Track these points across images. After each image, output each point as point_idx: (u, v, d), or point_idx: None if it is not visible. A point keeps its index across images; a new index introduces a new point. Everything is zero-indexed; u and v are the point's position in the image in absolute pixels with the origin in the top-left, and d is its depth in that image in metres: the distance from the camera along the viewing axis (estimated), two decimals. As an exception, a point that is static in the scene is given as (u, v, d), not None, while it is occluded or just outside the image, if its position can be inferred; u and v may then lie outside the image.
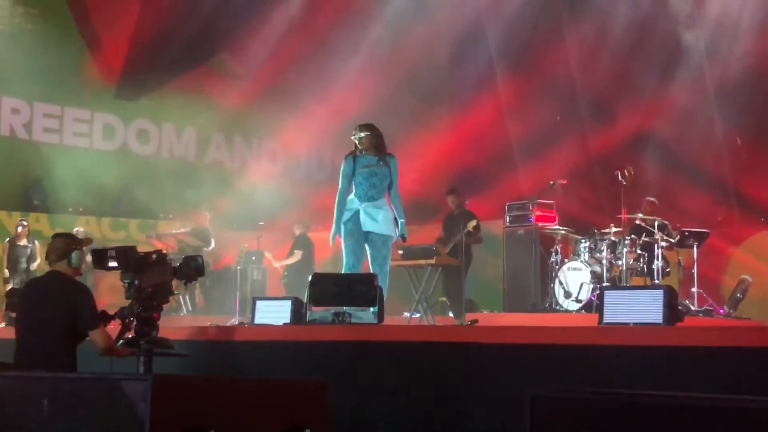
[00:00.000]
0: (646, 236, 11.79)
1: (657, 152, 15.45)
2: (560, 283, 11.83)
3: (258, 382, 5.19)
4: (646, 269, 11.59)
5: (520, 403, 3.85)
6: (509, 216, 13.38)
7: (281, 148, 19.97)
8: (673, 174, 15.06)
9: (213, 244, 15.38)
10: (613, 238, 11.76)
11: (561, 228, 12.74)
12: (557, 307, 11.80)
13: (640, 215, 11.99)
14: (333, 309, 7.75)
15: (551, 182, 13.19)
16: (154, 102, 17.99)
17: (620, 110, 16.15)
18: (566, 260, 12.06)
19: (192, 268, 6.03)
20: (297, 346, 7.38)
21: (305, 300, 7.98)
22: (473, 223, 11.76)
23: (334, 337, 7.28)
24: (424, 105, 18.81)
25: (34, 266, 14.25)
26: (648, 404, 3.63)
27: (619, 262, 11.55)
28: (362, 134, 8.91)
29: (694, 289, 11.67)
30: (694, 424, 3.44)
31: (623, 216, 12.04)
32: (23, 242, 14.24)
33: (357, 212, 8.76)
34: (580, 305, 11.49)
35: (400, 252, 11.07)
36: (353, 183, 8.91)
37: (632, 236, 11.76)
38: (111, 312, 6.24)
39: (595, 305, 10.68)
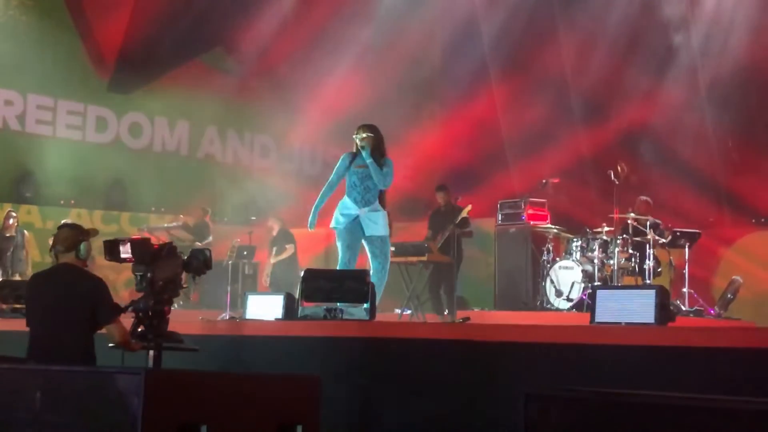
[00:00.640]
0: (638, 236, 11.81)
1: (649, 152, 15.49)
2: (551, 281, 11.85)
3: (250, 377, 5.20)
4: (637, 269, 11.62)
5: (513, 401, 3.86)
6: (501, 214, 13.38)
7: (274, 142, 19.96)
8: (665, 174, 15.08)
9: (209, 239, 15.32)
10: (605, 238, 11.79)
11: (553, 227, 12.75)
12: (548, 306, 11.82)
13: (632, 215, 12.02)
14: (325, 305, 7.75)
15: (543, 181, 13.20)
16: (147, 95, 17.94)
17: (613, 109, 16.17)
18: (558, 259, 12.08)
19: (201, 262, 5.96)
20: (289, 342, 7.38)
21: (297, 295, 7.99)
22: (468, 207, 11.81)
23: (326, 333, 7.29)
24: (417, 102, 18.81)
25: (22, 255, 14.18)
26: (639, 404, 3.64)
27: (611, 262, 11.57)
28: (364, 135, 8.85)
29: (685, 290, 11.68)
30: (685, 425, 3.45)
31: (615, 215, 12.06)
32: (11, 233, 14.18)
33: (356, 218, 8.74)
34: (571, 304, 11.51)
35: (392, 249, 11.08)
36: (347, 182, 8.88)
37: (624, 236, 11.78)
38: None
39: (586, 304, 10.71)
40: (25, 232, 14.44)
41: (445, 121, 18.73)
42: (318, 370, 5.58)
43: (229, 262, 14.55)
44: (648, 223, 11.90)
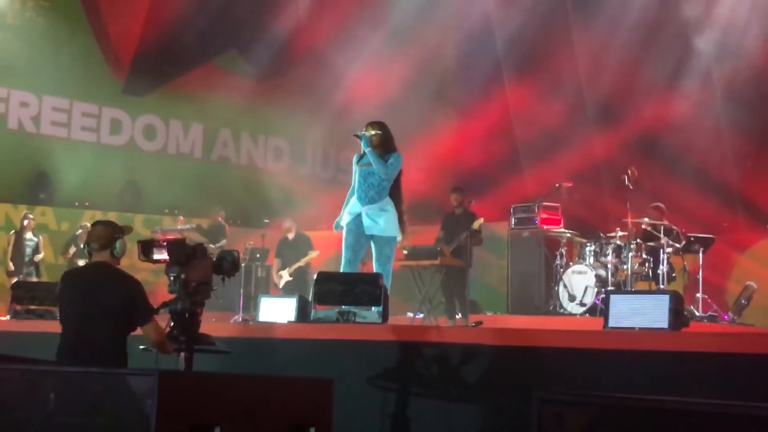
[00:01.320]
0: (651, 241, 11.77)
1: (663, 156, 15.43)
2: (565, 286, 11.82)
3: (263, 379, 5.20)
4: (651, 274, 11.57)
5: (526, 405, 3.85)
6: (514, 218, 13.37)
7: (287, 145, 19.99)
8: (679, 179, 15.03)
9: (223, 242, 15.27)
10: (618, 242, 11.75)
11: (566, 231, 12.73)
12: (561, 311, 11.79)
13: (646, 219, 11.98)
14: (337, 308, 7.75)
15: (557, 185, 13.18)
16: (161, 98, 18.01)
17: (627, 113, 16.13)
18: (571, 263, 12.05)
19: (229, 263, 5.90)
20: (301, 344, 7.39)
21: (310, 298, 7.99)
22: (480, 221, 11.75)
23: (338, 336, 7.29)
24: (431, 105, 18.81)
25: (38, 258, 14.26)
26: (653, 409, 3.63)
27: (625, 267, 11.53)
28: (372, 132, 8.69)
29: (698, 295, 11.63)
30: (698, 430, 3.44)
31: (629, 220, 12.02)
32: (28, 235, 14.24)
33: (359, 215, 8.59)
34: (584, 309, 11.48)
35: (405, 252, 11.07)
36: (354, 181, 8.77)
37: (638, 240, 11.74)
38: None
39: (599, 309, 10.68)
40: (41, 236, 14.50)
41: (458, 124, 18.73)
42: (330, 373, 5.58)
43: (242, 265, 14.53)
44: (662, 228, 11.86)
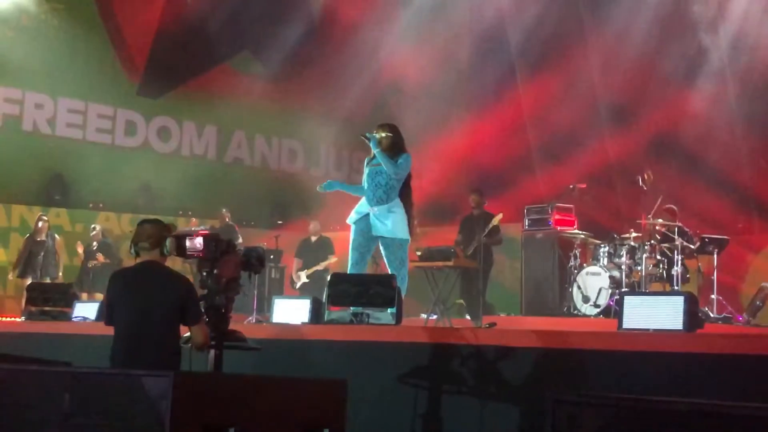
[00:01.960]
0: (666, 242, 11.74)
1: (677, 157, 15.38)
2: (579, 287, 11.80)
3: (277, 380, 5.21)
4: (665, 275, 11.54)
5: (539, 406, 3.85)
6: (528, 219, 13.35)
7: (301, 147, 20.01)
8: (694, 180, 14.97)
9: (240, 241, 15.25)
10: (632, 243, 11.72)
11: (580, 232, 12.69)
12: (575, 312, 11.77)
13: (660, 221, 11.95)
14: (351, 309, 7.75)
15: (571, 186, 13.15)
16: (175, 99, 18.06)
17: (641, 114, 16.09)
18: (585, 265, 12.02)
19: (256, 259, 5.85)
20: (315, 345, 7.40)
21: (323, 300, 7.99)
22: (499, 216, 11.75)
23: (352, 337, 7.29)
24: (444, 106, 18.80)
25: (53, 259, 14.21)
26: (668, 411, 3.62)
27: (639, 268, 11.50)
28: (383, 134, 8.66)
29: (713, 296, 11.59)
30: (713, 432, 3.44)
31: (643, 221, 11.98)
32: (41, 237, 14.21)
33: (367, 216, 8.58)
34: (598, 310, 11.45)
35: (419, 253, 11.06)
36: (365, 182, 8.75)
37: (652, 242, 11.71)
38: None
39: (613, 310, 10.66)
40: (56, 236, 14.48)
41: (472, 126, 18.70)
42: (344, 374, 5.58)
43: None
44: (676, 230, 11.82)
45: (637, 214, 12.19)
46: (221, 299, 5.63)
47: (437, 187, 16.18)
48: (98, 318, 9.84)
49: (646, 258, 11.46)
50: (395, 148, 8.64)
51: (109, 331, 5.95)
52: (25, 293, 11.56)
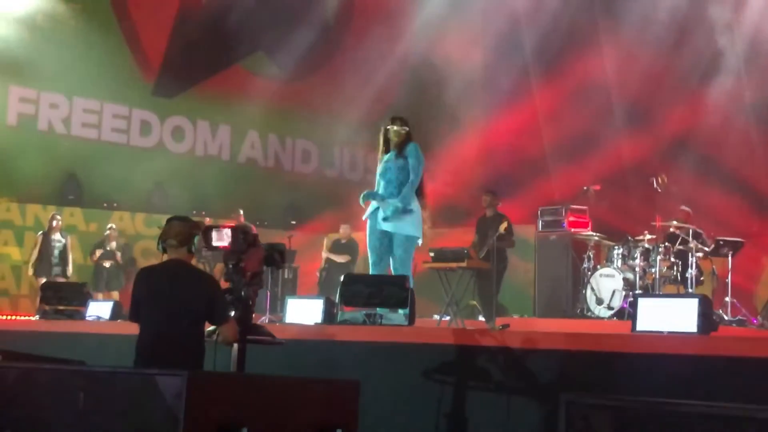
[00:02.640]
0: (680, 244, 11.71)
1: (692, 160, 15.33)
2: (592, 289, 11.77)
3: (291, 380, 5.22)
4: (679, 277, 11.52)
5: (553, 408, 3.84)
6: (542, 221, 13.33)
7: (315, 147, 20.03)
8: (708, 182, 14.93)
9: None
10: (646, 246, 11.69)
11: (594, 234, 12.67)
12: (588, 314, 11.75)
13: (675, 222, 11.91)
14: (364, 310, 7.75)
15: (585, 188, 13.13)
16: (190, 99, 18.10)
17: (656, 117, 16.05)
18: (599, 266, 12.00)
19: (279, 255, 5.82)
20: (328, 346, 7.40)
21: (336, 300, 8.00)
22: (504, 225, 11.70)
23: (365, 338, 7.29)
24: (458, 108, 18.79)
25: (66, 258, 14.26)
26: (681, 413, 3.62)
27: (653, 270, 11.47)
28: (396, 128, 8.62)
29: (727, 299, 11.56)
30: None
31: (657, 223, 11.96)
32: (56, 236, 14.26)
33: (376, 211, 8.56)
34: (611, 312, 11.43)
35: (432, 254, 11.06)
36: (378, 177, 8.72)
37: (666, 244, 11.68)
38: None
39: (627, 312, 10.63)
40: (68, 235, 14.52)
41: (486, 127, 18.69)
42: (356, 375, 5.59)
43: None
44: (690, 232, 11.79)
45: (652, 216, 12.17)
46: (247, 292, 5.61)
47: (451, 189, 16.19)
48: (112, 317, 9.89)
49: (660, 260, 11.43)
50: (407, 140, 8.61)
51: (122, 330, 5.97)
52: (39, 292, 11.60)
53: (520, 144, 17.53)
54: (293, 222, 17.59)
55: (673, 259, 11.56)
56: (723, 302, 11.54)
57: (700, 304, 6.20)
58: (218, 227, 5.74)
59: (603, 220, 13.54)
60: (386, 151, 8.73)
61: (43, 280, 13.53)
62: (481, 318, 11.87)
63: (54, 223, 14.32)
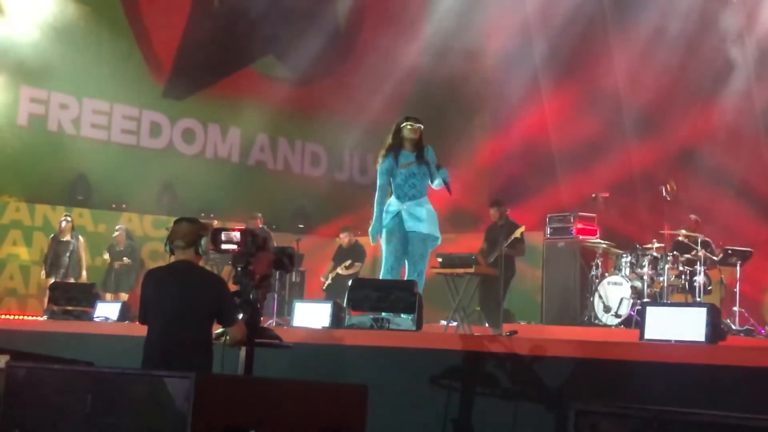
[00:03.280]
0: (688, 253, 11.69)
1: (701, 169, 15.30)
2: (600, 297, 11.76)
3: (299, 384, 5.22)
4: (687, 286, 11.50)
5: (559, 416, 3.84)
6: (550, 228, 13.33)
7: (324, 151, 20.04)
8: (717, 191, 14.91)
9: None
10: (655, 254, 11.67)
11: (602, 241, 12.66)
12: (596, 322, 11.74)
13: (683, 231, 11.90)
14: (372, 314, 7.75)
15: (593, 195, 13.13)
16: (200, 101, 18.12)
17: (665, 125, 16.02)
18: (607, 274, 11.99)
19: (288, 258, 5.83)
20: (335, 350, 7.40)
21: (344, 304, 8.00)
22: (521, 229, 11.71)
23: (372, 343, 7.30)
24: (468, 114, 18.79)
25: (77, 259, 14.24)
26: (689, 422, 3.61)
27: (661, 278, 11.46)
28: (412, 125, 8.63)
29: (735, 308, 11.54)
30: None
31: (666, 232, 11.94)
32: (66, 238, 14.21)
33: (399, 213, 8.53)
34: (619, 320, 11.42)
35: (439, 260, 11.06)
36: (393, 183, 8.66)
37: (675, 252, 11.66)
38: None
39: (634, 321, 10.62)
40: (80, 236, 14.51)
41: (495, 134, 18.69)
42: (363, 379, 5.59)
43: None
44: (699, 241, 11.77)
45: (660, 224, 12.15)
46: (256, 295, 5.61)
47: (460, 195, 16.13)
48: (120, 318, 9.91)
49: (668, 268, 11.42)
50: (421, 140, 8.69)
51: (130, 331, 5.98)
52: (48, 292, 11.62)
53: (530, 150, 17.52)
54: (301, 226, 17.59)
55: (681, 268, 11.55)
56: (731, 312, 11.51)
57: (709, 313, 6.19)
58: (228, 230, 5.75)
59: (611, 228, 13.53)
60: (393, 147, 8.70)
61: (53, 280, 13.51)
62: (487, 324, 11.85)
63: (64, 224, 14.25)
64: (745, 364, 5.64)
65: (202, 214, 17.32)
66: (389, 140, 8.80)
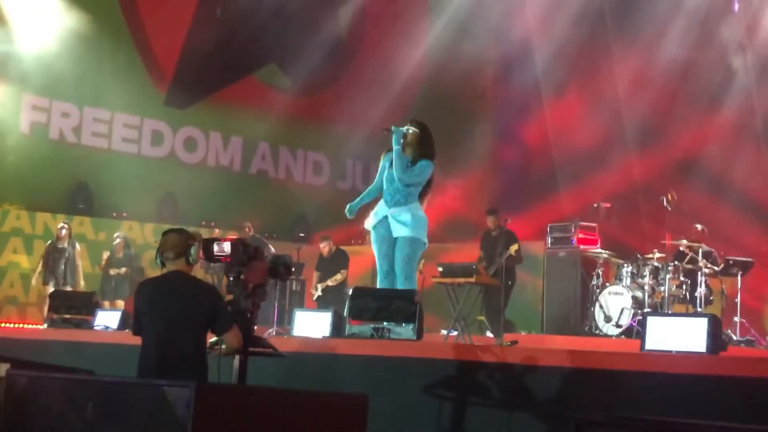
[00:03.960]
0: (689, 263, 11.69)
1: (703, 179, 15.31)
2: (600, 307, 11.75)
3: (299, 393, 5.21)
4: (688, 296, 11.49)
5: (559, 426, 3.83)
6: (551, 237, 13.33)
7: (327, 160, 20.05)
8: (719, 201, 14.91)
9: (272, 250, 15.13)
10: (656, 264, 11.67)
11: (603, 251, 12.65)
12: (597, 332, 11.72)
13: (685, 241, 11.89)
14: (372, 324, 7.73)
15: (594, 205, 13.14)
16: (202, 110, 18.14)
17: (666, 135, 16.04)
18: (607, 284, 11.98)
19: (284, 267, 5.83)
20: (335, 359, 7.40)
21: (344, 314, 7.99)
22: (515, 247, 11.69)
23: (372, 352, 7.29)
24: (469, 123, 18.81)
25: (74, 267, 14.19)
26: (690, 433, 3.61)
27: (662, 288, 11.45)
28: (411, 129, 8.45)
29: (736, 319, 11.52)
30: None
31: (667, 242, 11.94)
32: (63, 245, 14.17)
33: (386, 218, 8.40)
34: (620, 330, 11.40)
35: (440, 269, 11.04)
36: (383, 182, 8.57)
37: (676, 262, 11.66)
38: None
39: (635, 331, 10.61)
40: (77, 243, 14.47)
41: (495, 143, 18.70)
42: (364, 388, 5.58)
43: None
44: (700, 251, 11.77)
45: (661, 234, 12.15)
46: (247, 304, 5.62)
47: (460, 204, 16.18)
48: (120, 327, 9.89)
49: (669, 279, 11.41)
50: (420, 148, 8.44)
51: (130, 340, 5.97)
52: (47, 300, 11.61)
53: (530, 160, 17.54)
54: (301, 234, 17.58)
55: (682, 278, 11.55)
56: (732, 322, 11.50)
57: (710, 323, 6.18)
58: (218, 240, 5.78)
59: (612, 238, 13.53)
60: (391, 149, 8.56)
61: (50, 288, 13.49)
62: (489, 333, 11.85)
63: (63, 231, 14.20)
64: (746, 374, 5.63)
65: (203, 223, 17.36)
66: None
